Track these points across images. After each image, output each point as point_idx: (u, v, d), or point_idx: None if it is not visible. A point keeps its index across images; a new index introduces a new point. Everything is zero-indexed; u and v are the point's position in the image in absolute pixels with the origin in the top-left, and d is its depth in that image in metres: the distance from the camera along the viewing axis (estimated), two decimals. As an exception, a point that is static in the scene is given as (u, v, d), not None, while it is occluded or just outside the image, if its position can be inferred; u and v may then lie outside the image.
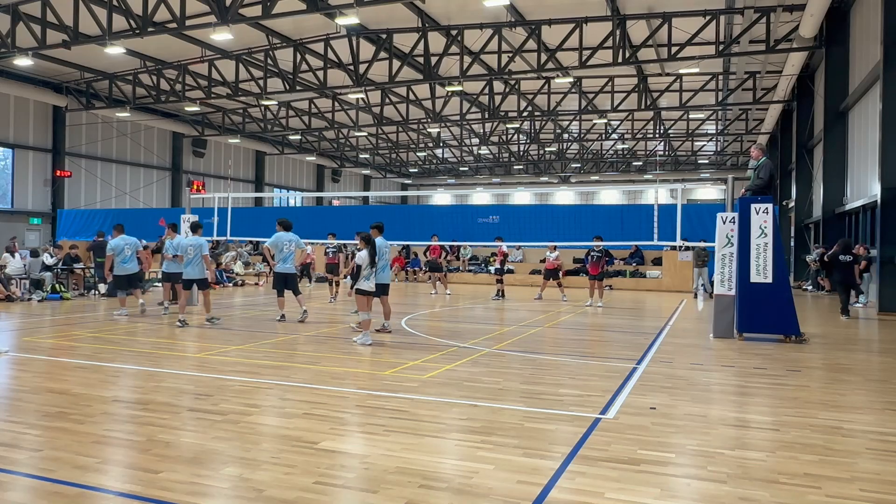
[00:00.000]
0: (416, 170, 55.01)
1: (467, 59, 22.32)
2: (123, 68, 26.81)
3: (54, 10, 18.84)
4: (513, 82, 27.97)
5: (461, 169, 53.13)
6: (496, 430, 5.21)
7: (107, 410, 5.75)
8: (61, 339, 9.83)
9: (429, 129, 38.27)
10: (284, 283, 12.50)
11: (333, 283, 17.44)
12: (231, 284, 23.04)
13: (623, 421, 5.53)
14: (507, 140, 41.21)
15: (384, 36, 21.78)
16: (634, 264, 25.13)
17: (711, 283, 17.53)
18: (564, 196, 51.85)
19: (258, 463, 4.39)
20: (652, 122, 35.67)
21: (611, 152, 45.33)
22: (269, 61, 24.10)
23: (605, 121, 34.75)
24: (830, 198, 21.85)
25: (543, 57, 21.66)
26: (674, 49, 20.13)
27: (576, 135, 39.36)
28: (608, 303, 17.66)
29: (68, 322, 12.19)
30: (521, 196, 55.20)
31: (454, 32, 21.23)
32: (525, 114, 31.46)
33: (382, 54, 22.59)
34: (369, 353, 9.00)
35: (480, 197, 56.49)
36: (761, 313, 10.46)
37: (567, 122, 36.66)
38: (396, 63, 22.89)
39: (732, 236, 10.85)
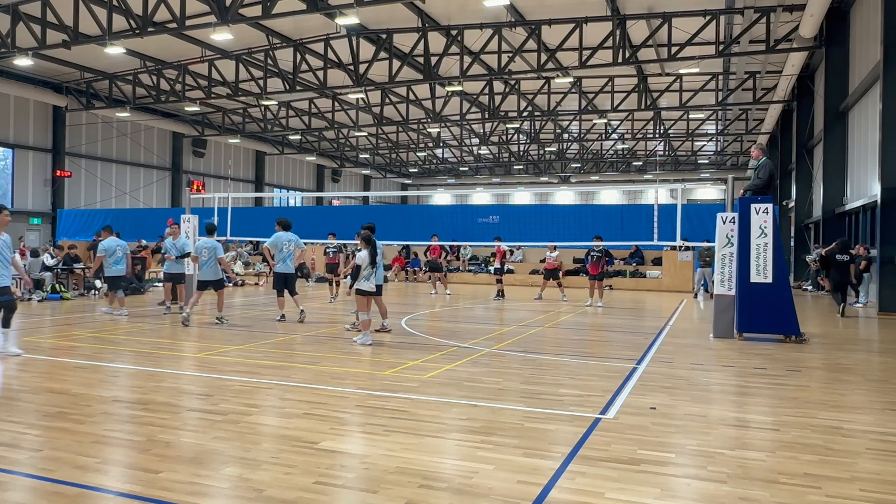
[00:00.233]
0: (416, 170, 55.01)
1: (467, 59, 22.32)
2: (123, 68, 26.81)
3: (54, 10, 18.84)
4: (513, 82, 27.98)
5: (461, 169, 53.13)
6: (496, 430, 5.21)
7: (107, 410, 5.75)
8: (61, 339, 9.82)
9: (429, 129, 38.28)
10: (284, 283, 12.50)
11: (333, 283, 17.46)
12: (231, 284, 23.03)
13: (623, 421, 5.53)
14: (507, 140, 41.21)
15: (384, 36, 21.79)
16: (634, 264, 25.13)
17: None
18: (564, 196, 51.85)
19: (258, 463, 4.39)
20: (652, 122, 35.68)
21: (611, 152, 45.34)
22: (269, 61, 24.10)
23: (605, 121, 34.76)
24: (830, 198, 21.85)
25: (543, 57, 21.67)
26: (674, 49, 20.13)
27: (576, 135, 39.36)
28: (608, 303, 17.66)
29: (68, 322, 12.19)
30: (521, 196, 55.21)
31: (454, 32, 21.23)
32: (525, 114, 31.46)
33: (382, 54, 22.59)
34: (369, 353, 9.00)
35: (480, 197, 56.50)
36: (761, 313, 10.46)
37: (567, 122, 36.67)
38: (396, 63, 22.89)
39: (732, 236, 10.85)
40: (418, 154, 47.17)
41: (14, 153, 29.44)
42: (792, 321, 10.35)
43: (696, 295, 20.33)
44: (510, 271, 24.60)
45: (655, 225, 13.36)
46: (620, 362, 8.42)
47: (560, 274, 18.60)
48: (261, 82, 25.68)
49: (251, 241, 28.16)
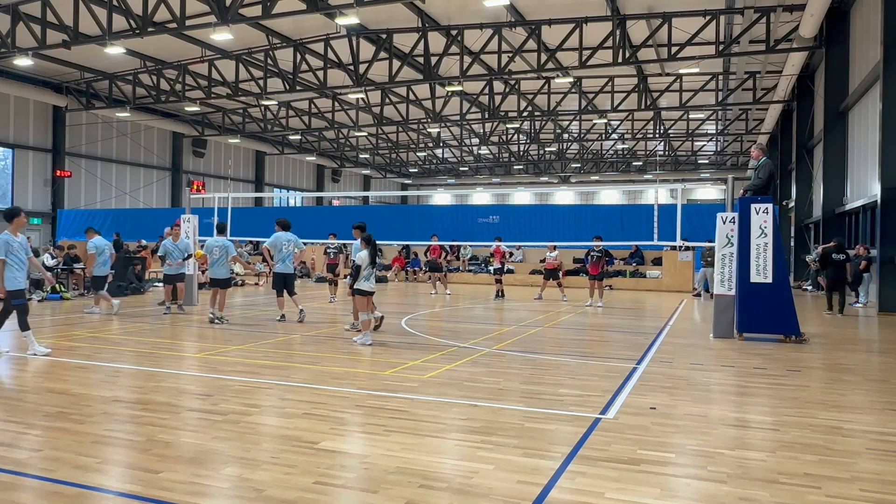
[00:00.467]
0: (416, 170, 55.02)
1: (467, 59, 22.33)
2: (123, 68, 26.82)
3: (54, 10, 18.85)
4: (513, 82, 27.98)
5: (461, 169, 53.15)
6: (496, 430, 5.21)
7: (107, 410, 5.75)
8: (61, 339, 9.82)
9: (429, 129, 38.28)
10: (284, 283, 12.51)
11: (334, 283, 17.48)
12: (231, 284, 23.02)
13: (623, 421, 5.53)
14: (507, 140, 41.22)
15: (384, 36, 21.79)
16: (634, 264, 25.12)
17: None
18: (564, 196, 51.87)
19: (258, 463, 4.39)
20: (652, 122, 35.68)
21: (611, 152, 45.35)
22: (269, 61, 24.11)
23: (605, 121, 34.76)
24: (830, 198, 21.86)
25: (543, 57, 21.67)
26: (674, 49, 20.14)
27: (576, 135, 39.37)
28: (608, 303, 17.66)
29: (68, 322, 12.19)
30: (521, 196, 55.22)
31: (454, 32, 21.24)
32: (525, 114, 31.47)
33: (382, 54, 22.60)
34: (369, 353, 9.00)
35: (480, 197, 56.50)
36: (761, 313, 10.46)
37: (567, 122, 36.67)
38: (396, 63, 22.90)
39: (732, 236, 10.85)
40: (418, 154, 47.18)
41: (14, 153, 29.45)
42: (792, 321, 10.35)
43: (699, 294, 20.19)
44: (510, 271, 24.60)
45: (655, 225, 13.36)
46: (620, 362, 8.42)
47: (560, 274, 18.60)
48: (261, 82, 25.69)
49: (251, 241, 28.17)
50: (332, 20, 19.35)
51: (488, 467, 4.35)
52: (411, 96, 30.78)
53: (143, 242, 24.60)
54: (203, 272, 18.23)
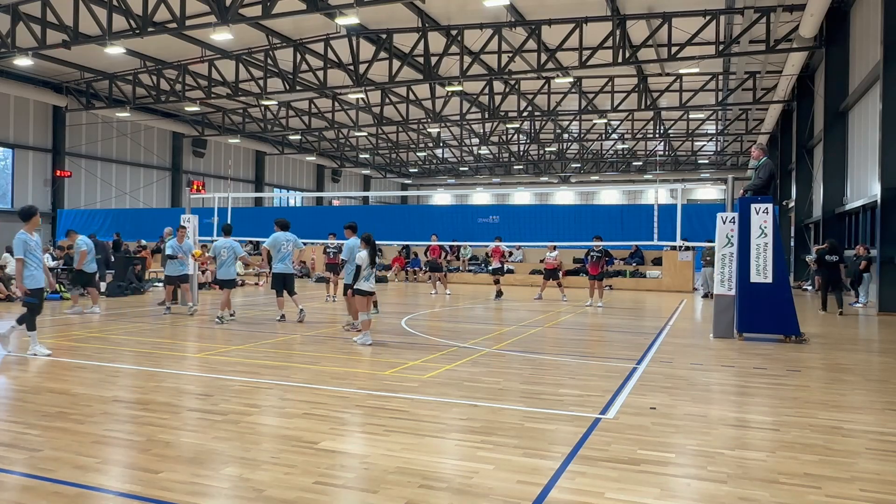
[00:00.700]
0: (416, 170, 55.02)
1: (467, 59, 22.33)
2: (123, 68, 26.82)
3: (54, 10, 18.85)
4: (513, 82, 27.98)
5: (461, 169, 53.15)
6: (496, 430, 5.21)
7: (107, 410, 5.75)
8: (61, 339, 9.82)
9: (429, 129, 38.28)
10: (283, 283, 12.51)
11: (331, 283, 17.50)
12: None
13: (623, 421, 5.53)
14: (507, 140, 41.22)
15: (384, 36, 21.79)
16: (634, 264, 25.12)
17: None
18: (564, 196, 51.87)
19: (258, 463, 4.39)
20: (652, 122, 35.68)
21: (611, 152, 45.35)
22: (269, 61, 24.11)
23: (605, 121, 34.76)
24: (830, 198, 21.86)
25: (543, 57, 21.67)
26: (674, 49, 20.14)
27: (576, 135, 39.37)
28: (608, 303, 17.66)
29: (68, 322, 12.19)
30: (521, 196, 55.22)
31: (454, 32, 21.23)
32: (525, 114, 31.47)
33: (382, 54, 22.60)
34: (369, 353, 9.00)
35: (480, 197, 56.51)
36: (761, 313, 10.45)
37: (567, 122, 36.67)
38: (396, 63, 22.90)
39: (732, 236, 10.85)
40: (418, 154, 47.18)
41: (14, 153, 29.45)
42: (792, 321, 10.35)
43: (705, 294, 19.89)
44: (510, 271, 24.60)
45: (655, 225, 13.36)
46: (620, 362, 8.42)
47: (560, 274, 18.59)
48: (261, 82, 25.69)
49: (251, 242, 28.16)
50: (332, 20, 19.35)
51: (488, 467, 4.35)
52: (411, 96, 30.78)
53: (143, 242, 24.60)
54: (203, 272, 18.25)
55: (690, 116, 35.15)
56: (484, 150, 46.30)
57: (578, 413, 5.80)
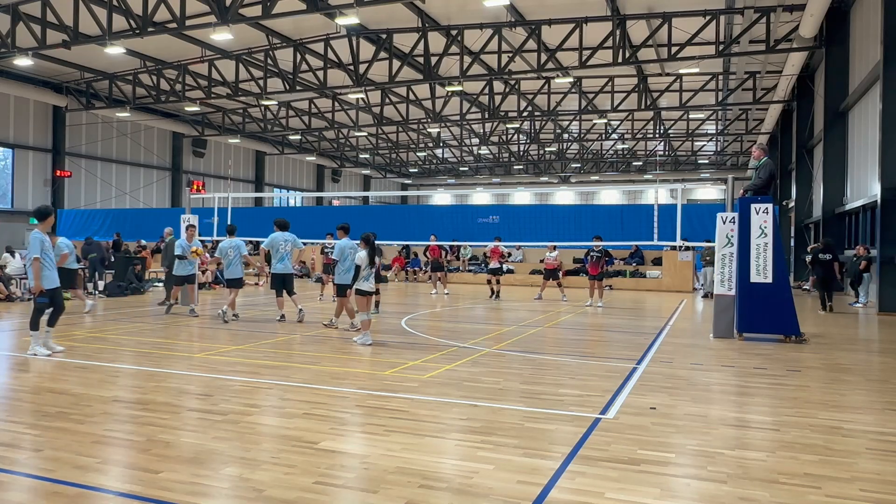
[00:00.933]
0: (416, 170, 55.03)
1: (467, 59, 22.32)
2: (123, 68, 26.82)
3: (54, 10, 18.85)
4: (513, 82, 27.98)
5: (461, 169, 53.15)
6: (496, 430, 5.21)
7: (107, 410, 5.75)
8: (61, 340, 9.82)
9: (429, 129, 38.28)
10: (283, 283, 12.51)
11: (325, 282, 17.56)
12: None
13: (623, 421, 5.53)
14: (507, 140, 41.22)
15: (384, 36, 21.79)
16: (634, 264, 25.12)
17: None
18: (564, 196, 51.88)
19: (258, 463, 4.39)
20: (652, 122, 35.69)
21: (611, 152, 45.35)
22: (269, 61, 24.11)
23: (605, 121, 34.77)
24: (830, 198, 21.85)
25: (543, 57, 21.67)
26: (674, 49, 20.14)
27: (576, 135, 39.37)
28: (608, 303, 17.66)
29: (68, 322, 12.18)
30: (521, 196, 55.22)
31: (454, 32, 21.23)
32: (525, 114, 31.47)
33: (382, 54, 22.60)
34: (369, 353, 9.00)
35: (480, 197, 56.51)
36: (761, 313, 10.45)
37: (567, 122, 36.67)
38: (396, 63, 22.90)
39: (732, 236, 10.85)
40: (418, 154, 47.19)
41: (14, 153, 29.45)
42: (792, 321, 10.35)
43: (706, 294, 19.83)
44: (510, 271, 24.59)
45: (655, 225, 13.37)
46: (620, 362, 8.42)
47: (560, 274, 18.58)
48: (261, 82, 25.69)
49: (251, 242, 28.15)
50: (332, 20, 19.35)
51: (488, 467, 4.35)
52: (411, 96, 30.78)
53: (143, 242, 24.59)
54: (203, 272, 18.25)
55: (690, 116, 35.15)
56: (484, 150, 46.31)
57: (578, 413, 5.80)
